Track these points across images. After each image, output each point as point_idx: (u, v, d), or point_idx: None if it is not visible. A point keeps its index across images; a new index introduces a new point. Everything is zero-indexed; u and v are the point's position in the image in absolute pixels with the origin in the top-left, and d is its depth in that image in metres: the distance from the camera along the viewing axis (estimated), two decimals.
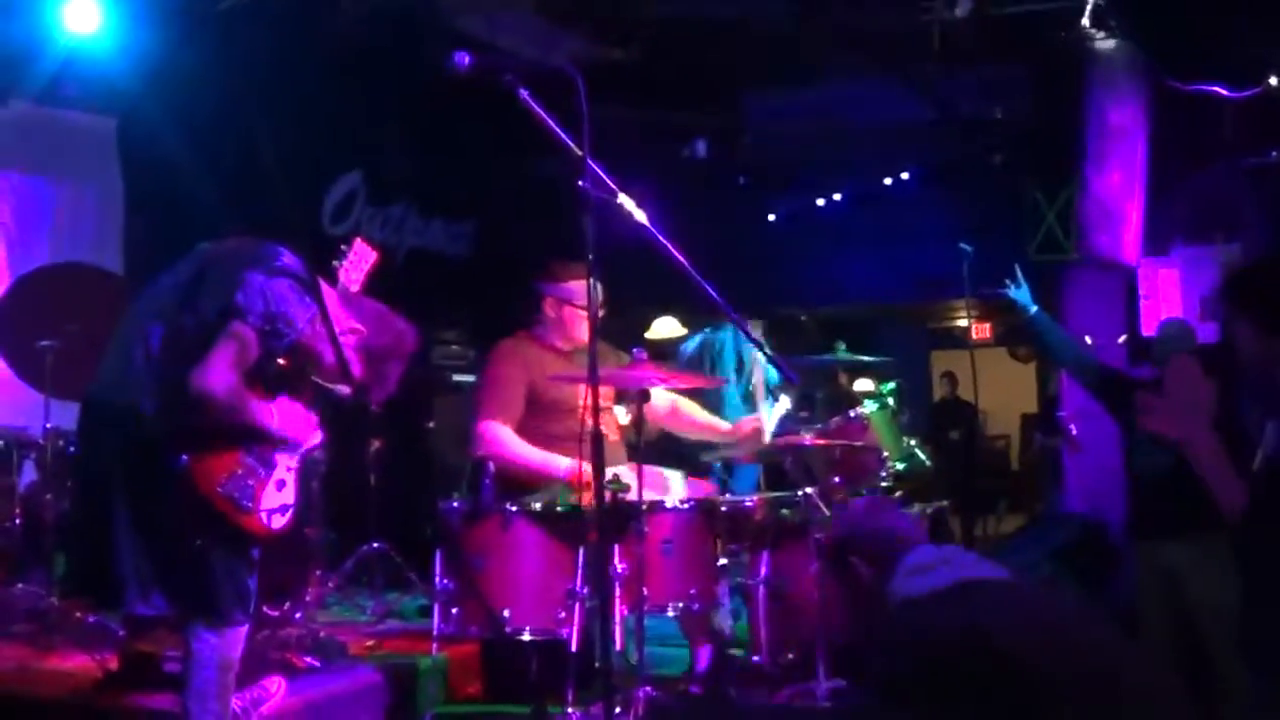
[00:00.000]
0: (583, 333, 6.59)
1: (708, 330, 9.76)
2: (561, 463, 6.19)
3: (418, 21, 9.64)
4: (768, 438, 6.81)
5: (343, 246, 5.06)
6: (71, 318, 7.01)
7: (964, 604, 3.26)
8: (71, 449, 7.10)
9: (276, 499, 4.77)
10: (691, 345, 9.88)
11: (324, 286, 4.83)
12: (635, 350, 5.90)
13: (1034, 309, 6.88)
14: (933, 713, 3.07)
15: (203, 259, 4.80)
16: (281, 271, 4.68)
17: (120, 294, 7.78)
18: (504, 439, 6.38)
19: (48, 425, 6.92)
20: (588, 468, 4.55)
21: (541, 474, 6.28)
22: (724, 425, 7.04)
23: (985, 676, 3.01)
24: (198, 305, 4.63)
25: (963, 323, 19.20)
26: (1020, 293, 6.88)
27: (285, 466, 4.83)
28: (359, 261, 5.07)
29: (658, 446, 6.90)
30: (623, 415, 6.69)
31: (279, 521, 4.77)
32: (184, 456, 4.54)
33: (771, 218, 13.48)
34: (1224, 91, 9.82)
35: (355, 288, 5.05)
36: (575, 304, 6.53)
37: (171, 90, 8.89)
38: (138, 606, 4.61)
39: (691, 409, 6.96)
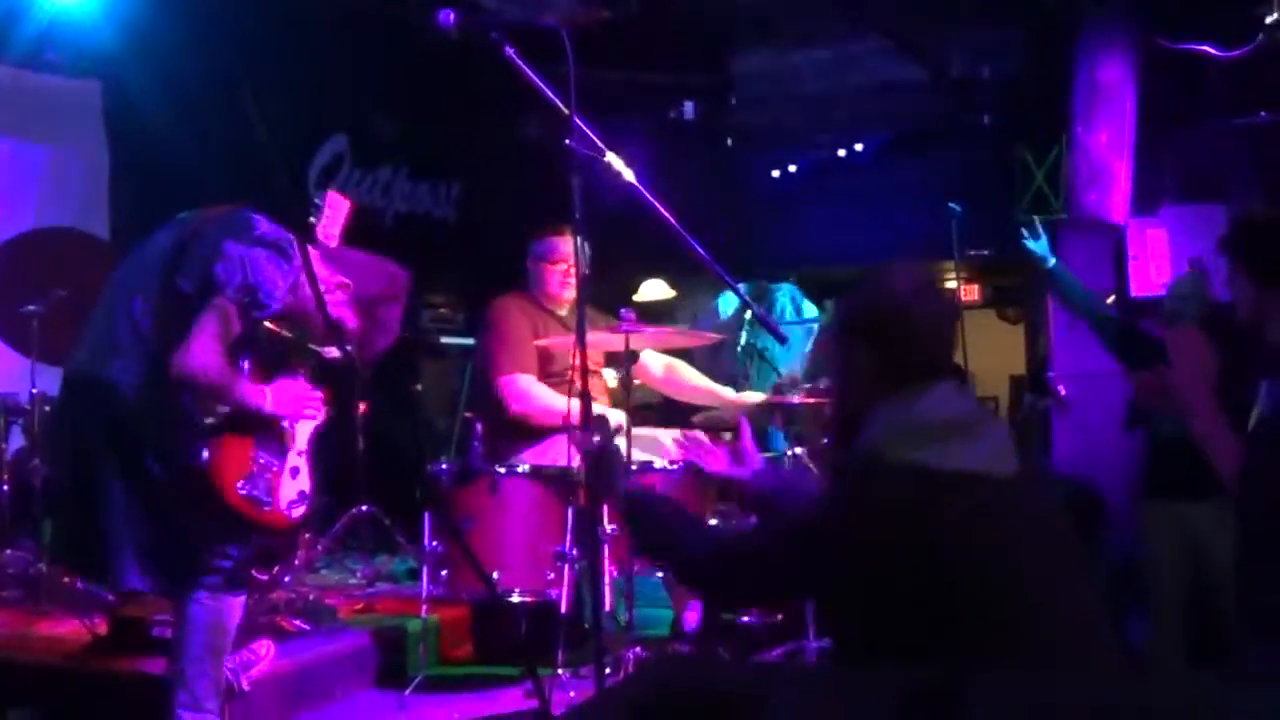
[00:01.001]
0: (560, 290, 6.63)
1: (747, 287, 9.76)
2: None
3: None
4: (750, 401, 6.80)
5: (316, 202, 5.04)
6: (57, 282, 7.00)
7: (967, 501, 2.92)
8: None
9: (293, 488, 4.79)
10: (726, 304, 9.92)
11: (308, 250, 4.80)
12: (623, 312, 5.89)
13: (1053, 261, 6.89)
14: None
15: (183, 229, 4.75)
16: (259, 241, 4.64)
17: (106, 258, 7.73)
18: (533, 390, 6.41)
19: (34, 390, 6.90)
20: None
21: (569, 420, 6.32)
22: (725, 391, 6.99)
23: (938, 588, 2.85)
24: (178, 278, 4.59)
25: (951, 284, 19.22)
26: (1039, 244, 6.88)
27: (296, 452, 4.85)
28: (334, 215, 5.04)
29: (656, 409, 6.92)
30: (611, 378, 6.69)
31: (298, 511, 4.82)
32: (205, 452, 4.53)
33: (776, 174, 13.42)
34: (1214, 51, 9.79)
35: (334, 242, 5.02)
36: (550, 260, 6.59)
37: (156, 54, 8.84)
38: (134, 582, 4.59)
39: (688, 372, 6.95)
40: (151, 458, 4.52)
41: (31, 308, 6.89)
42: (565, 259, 6.59)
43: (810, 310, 10.06)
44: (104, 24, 8.85)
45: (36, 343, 6.89)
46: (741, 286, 9.72)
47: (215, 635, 4.61)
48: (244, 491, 4.58)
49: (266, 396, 4.69)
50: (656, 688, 2.47)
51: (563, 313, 6.71)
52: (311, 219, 4.97)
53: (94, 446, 4.57)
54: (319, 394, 4.92)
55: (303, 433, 4.93)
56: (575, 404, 6.04)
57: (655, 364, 6.74)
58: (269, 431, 4.74)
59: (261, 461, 4.68)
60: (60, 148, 9.57)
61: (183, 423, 4.57)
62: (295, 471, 4.82)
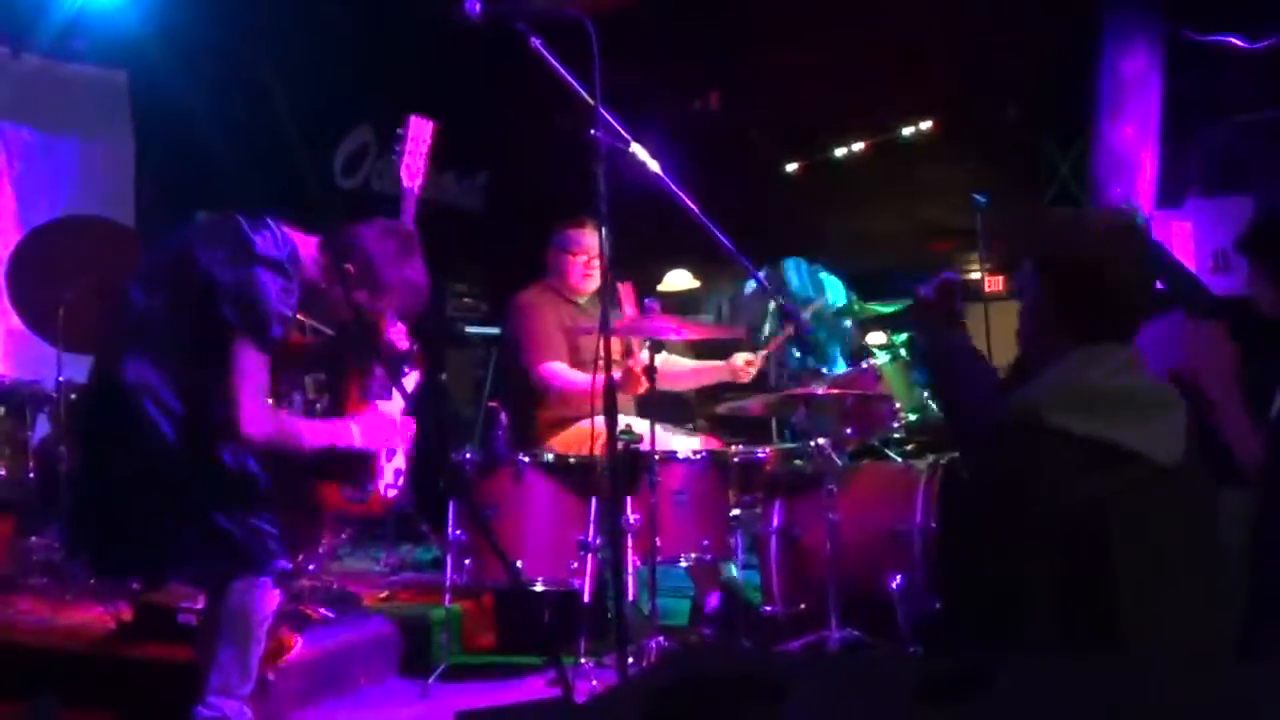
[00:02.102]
0: (581, 281, 6.67)
1: (765, 269, 9.78)
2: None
3: None
4: (753, 370, 6.81)
5: (399, 131, 4.96)
6: (84, 271, 7.00)
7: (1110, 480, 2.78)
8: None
9: (390, 470, 4.81)
10: (749, 287, 9.94)
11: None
12: (648, 302, 5.91)
13: None
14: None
15: (183, 244, 4.62)
16: (255, 260, 4.48)
17: (132, 247, 7.76)
18: (569, 375, 6.47)
19: (60, 379, 6.92)
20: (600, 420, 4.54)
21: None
22: (715, 364, 7.01)
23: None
24: (175, 299, 4.50)
25: (976, 275, 19.17)
26: None
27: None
28: (417, 144, 4.98)
29: (666, 404, 6.94)
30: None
31: (393, 492, 4.83)
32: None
33: (800, 165, 13.42)
34: (1239, 43, 9.77)
35: (418, 178, 4.96)
36: (572, 252, 6.64)
37: (182, 43, 8.87)
38: (174, 577, 4.61)
39: (676, 361, 7.00)
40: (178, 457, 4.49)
41: (58, 297, 6.91)
42: (586, 251, 6.63)
43: (830, 282, 10.02)
44: (131, 14, 8.89)
45: (63, 331, 6.91)
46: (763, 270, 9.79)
47: (248, 621, 4.59)
48: (346, 495, 4.59)
49: (353, 432, 4.61)
50: (678, 676, 2.48)
51: (584, 302, 6.75)
52: (395, 155, 4.93)
53: (117, 444, 4.53)
54: (409, 421, 4.83)
55: (394, 412, 4.88)
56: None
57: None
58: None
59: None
60: (87, 137, 9.62)
61: None
62: (392, 453, 4.81)
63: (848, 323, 9.27)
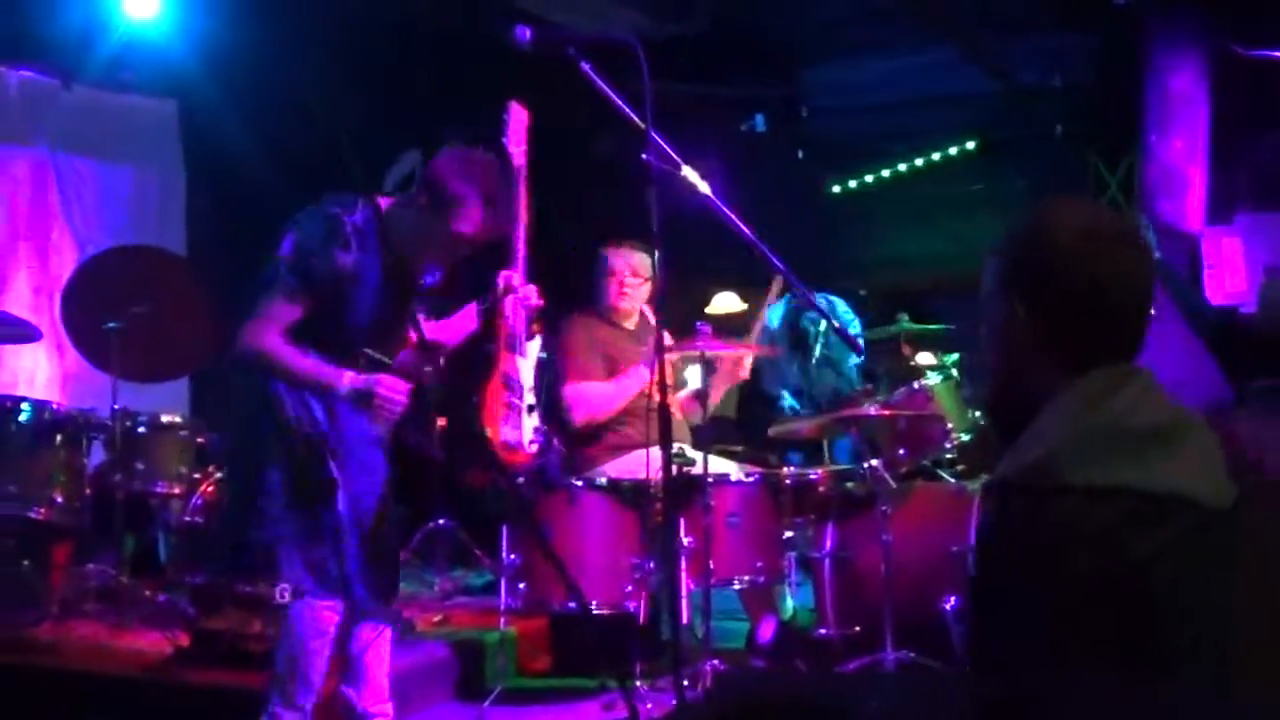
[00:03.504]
0: (618, 301, 6.70)
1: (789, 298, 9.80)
2: (643, 374, 6.26)
3: None
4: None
5: (503, 116, 5.04)
6: (137, 300, 7.06)
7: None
8: (141, 429, 7.19)
9: (530, 425, 4.92)
10: (775, 316, 9.93)
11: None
12: (699, 325, 5.93)
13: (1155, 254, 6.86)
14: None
15: None
16: (320, 213, 4.67)
17: (184, 275, 7.84)
18: (587, 393, 6.52)
19: (115, 406, 6.98)
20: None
21: (626, 398, 6.38)
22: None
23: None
24: None
25: None
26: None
27: (529, 389, 5.00)
28: (518, 127, 5.07)
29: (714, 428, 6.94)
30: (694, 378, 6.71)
31: (534, 446, 4.96)
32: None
33: (847, 185, 13.40)
34: None
35: (521, 158, 5.04)
36: (606, 271, 6.69)
37: (231, 71, 8.94)
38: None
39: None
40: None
41: (112, 325, 6.96)
42: (621, 270, 6.68)
43: (849, 317, 10.02)
44: (179, 43, 8.96)
45: (118, 359, 6.97)
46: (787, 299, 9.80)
47: (309, 636, 4.63)
48: (504, 439, 4.65)
49: (344, 379, 4.61)
50: (739, 700, 2.47)
51: (629, 325, 6.78)
52: (501, 136, 5.01)
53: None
54: (405, 385, 4.71)
55: (527, 371, 5.00)
56: (629, 379, 6.25)
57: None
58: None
59: (513, 403, 4.75)
60: (138, 166, 9.71)
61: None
62: (532, 409, 4.91)
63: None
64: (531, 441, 4.86)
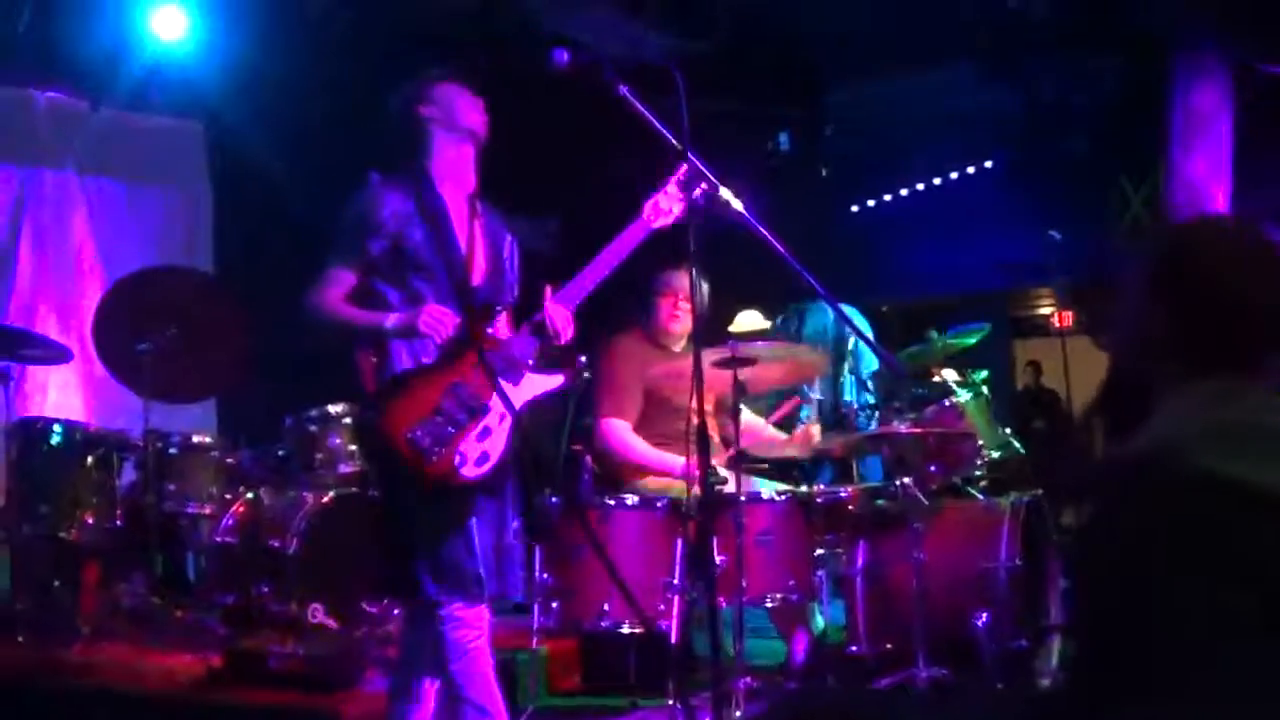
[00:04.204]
0: (670, 323, 6.67)
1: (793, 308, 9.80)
2: (678, 462, 6.20)
3: (499, 19, 9.67)
4: (817, 439, 6.82)
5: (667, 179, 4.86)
6: (167, 321, 7.08)
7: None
8: (172, 450, 7.21)
9: (477, 448, 4.54)
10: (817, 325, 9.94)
11: None
12: (730, 344, 5.92)
13: None
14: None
15: None
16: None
17: (214, 295, 7.86)
18: (625, 437, 6.50)
19: (147, 427, 7.00)
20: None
21: (659, 472, 6.36)
22: (781, 435, 7.00)
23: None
24: None
25: (1045, 311, 19.06)
26: None
27: (497, 414, 4.60)
28: (673, 196, 4.86)
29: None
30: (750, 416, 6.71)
31: (472, 470, 4.50)
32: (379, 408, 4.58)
33: (871, 203, 13.43)
34: None
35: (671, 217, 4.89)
36: (661, 293, 6.65)
37: (257, 93, 8.99)
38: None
39: (759, 423, 6.97)
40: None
41: (143, 346, 6.98)
42: (675, 291, 6.63)
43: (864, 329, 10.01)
44: (206, 65, 9.04)
45: (149, 380, 6.98)
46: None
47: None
48: (411, 436, 4.50)
49: (389, 318, 4.62)
50: (789, 715, 2.47)
51: (678, 349, 6.73)
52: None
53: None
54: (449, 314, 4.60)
55: (507, 399, 4.56)
56: (671, 458, 6.19)
57: (745, 417, 6.81)
58: (469, 389, 4.57)
59: (446, 410, 4.55)
60: (165, 187, 9.76)
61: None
62: (486, 432, 4.57)
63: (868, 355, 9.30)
64: (465, 459, 4.62)
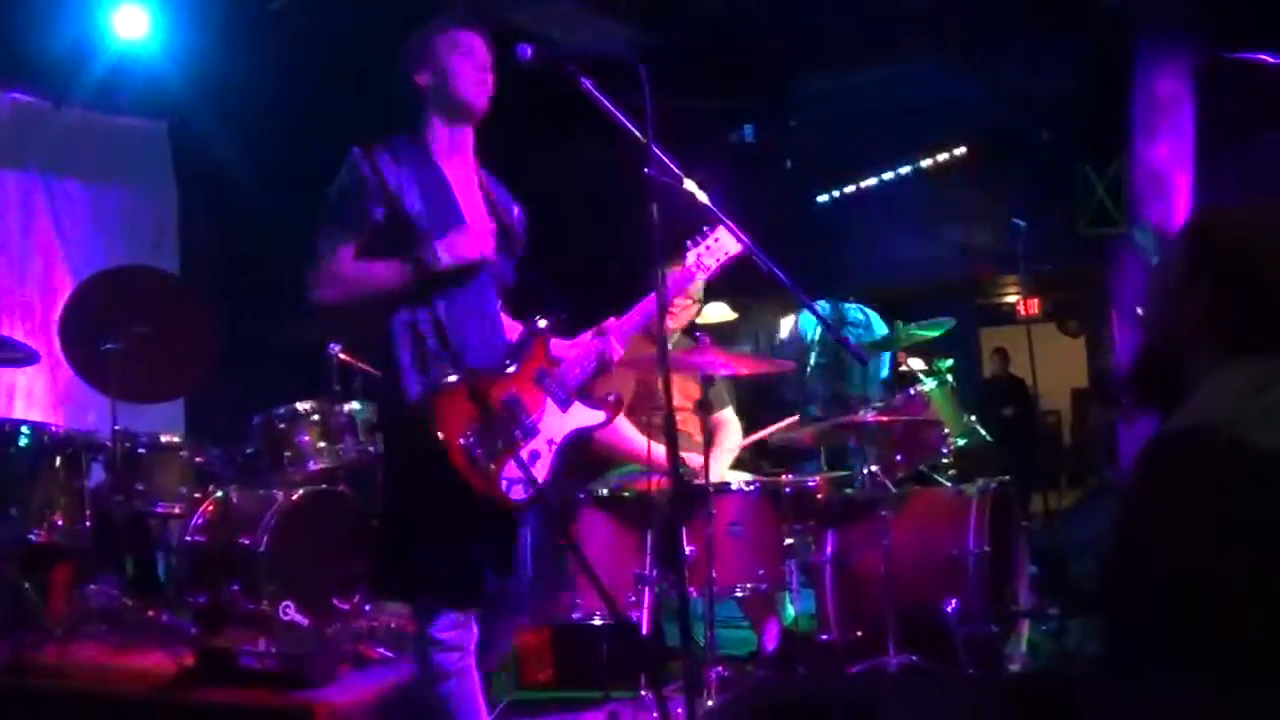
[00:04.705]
0: (669, 322, 6.65)
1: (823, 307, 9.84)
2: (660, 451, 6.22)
3: (462, 13, 9.65)
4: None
5: (705, 229, 4.83)
6: (133, 320, 7.05)
7: None
8: (141, 449, 7.19)
9: (525, 470, 4.38)
10: (809, 326, 9.96)
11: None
12: (700, 336, 5.94)
13: (1158, 258, 6.89)
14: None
15: None
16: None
17: (179, 294, 7.83)
18: (618, 425, 6.47)
19: (115, 427, 6.98)
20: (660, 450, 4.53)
21: (639, 458, 6.35)
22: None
23: None
24: None
25: (1011, 299, 19.15)
26: (1145, 237, 6.89)
27: (545, 439, 4.50)
28: (717, 250, 4.85)
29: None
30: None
31: (519, 494, 4.35)
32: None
33: (836, 194, 13.44)
34: (1272, 60, 9.77)
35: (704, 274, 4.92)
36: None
37: (222, 92, 8.98)
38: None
39: (729, 439, 7.02)
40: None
41: (109, 346, 6.95)
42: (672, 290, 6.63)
43: (880, 327, 10.08)
44: (169, 65, 9.00)
45: (115, 380, 6.96)
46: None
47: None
48: (465, 442, 4.32)
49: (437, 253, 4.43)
50: (768, 703, 2.48)
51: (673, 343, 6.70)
52: (690, 243, 4.87)
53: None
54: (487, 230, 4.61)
55: (555, 424, 4.54)
56: (650, 443, 6.18)
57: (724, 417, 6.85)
58: (517, 405, 4.44)
59: (497, 426, 4.32)
60: (129, 187, 9.73)
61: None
62: (535, 455, 4.46)
63: (884, 355, 9.32)
64: (513, 481, 4.52)
